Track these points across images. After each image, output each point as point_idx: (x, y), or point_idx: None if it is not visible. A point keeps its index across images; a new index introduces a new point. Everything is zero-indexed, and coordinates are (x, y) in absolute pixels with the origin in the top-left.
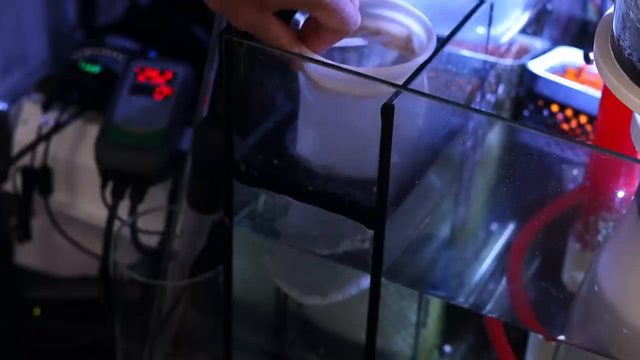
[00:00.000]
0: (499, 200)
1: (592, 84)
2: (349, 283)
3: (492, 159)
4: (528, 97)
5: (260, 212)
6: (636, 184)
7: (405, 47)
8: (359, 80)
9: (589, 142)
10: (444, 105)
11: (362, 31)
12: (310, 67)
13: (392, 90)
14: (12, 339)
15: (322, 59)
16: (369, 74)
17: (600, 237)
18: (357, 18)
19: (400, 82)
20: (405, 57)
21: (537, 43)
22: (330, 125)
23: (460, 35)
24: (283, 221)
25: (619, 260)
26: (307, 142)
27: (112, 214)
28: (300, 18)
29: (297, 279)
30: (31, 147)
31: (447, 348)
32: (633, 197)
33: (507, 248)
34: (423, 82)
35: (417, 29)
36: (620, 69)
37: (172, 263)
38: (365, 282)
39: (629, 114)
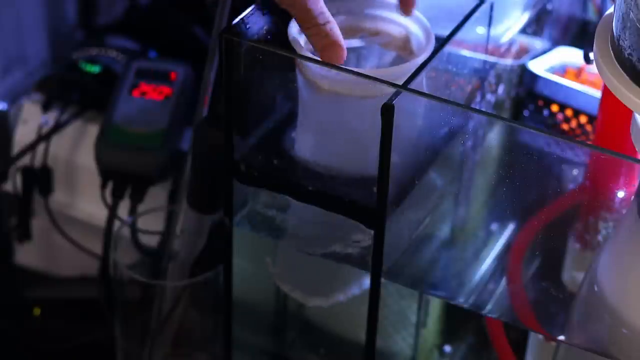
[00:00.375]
0: (499, 200)
1: (592, 84)
2: (351, 283)
3: (492, 159)
4: (528, 97)
5: (260, 211)
6: (636, 184)
7: (404, 48)
8: (359, 81)
9: (589, 142)
10: (444, 105)
11: (360, 32)
12: (309, 68)
13: (391, 91)
14: (12, 339)
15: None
16: (369, 74)
17: (600, 237)
18: None
19: (400, 83)
20: (403, 58)
21: (537, 43)
22: (329, 126)
23: (460, 35)
24: (283, 221)
25: (619, 261)
26: (307, 143)
27: (112, 214)
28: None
29: (299, 280)
30: (31, 147)
31: (447, 348)
32: (633, 197)
33: (507, 248)
34: (422, 83)
35: (415, 30)
36: (620, 69)
37: (172, 263)
38: (368, 281)
39: (629, 114)
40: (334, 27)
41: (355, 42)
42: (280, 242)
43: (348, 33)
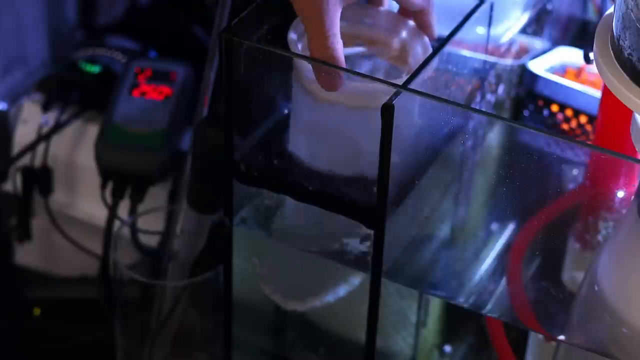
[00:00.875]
0: (499, 200)
1: (592, 84)
2: (327, 290)
3: (492, 159)
4: (528, 97)
5: (259, 210)
6: (636, 184)
7: (399, 58)
8: (357, 92)
9: (589, 142)
10: (444, 105)
11: (356, 40)
12: (308, 77)
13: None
14: (12, 339)
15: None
16: (369, 79)
17: (600, 237)
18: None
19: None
20: (397, 68)
21: (537, 43)
22: (326, 134)
23: (460, 35)
24: (280, 221)
25: (619, 261)
26: (301, 146)
27: (112, 214)
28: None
29: (280, 284)
30: (31, 147)
31: (447, 348)
32: (633, 197)
33: (507, 248)
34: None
35: (413, 42)
36: (620, 69)
37: (172, 263)
38: (342, 289)
39: (629, 114)
40: (340, 55)
41: (351, 50)
42: (268, 244)
43: (345, 40)
